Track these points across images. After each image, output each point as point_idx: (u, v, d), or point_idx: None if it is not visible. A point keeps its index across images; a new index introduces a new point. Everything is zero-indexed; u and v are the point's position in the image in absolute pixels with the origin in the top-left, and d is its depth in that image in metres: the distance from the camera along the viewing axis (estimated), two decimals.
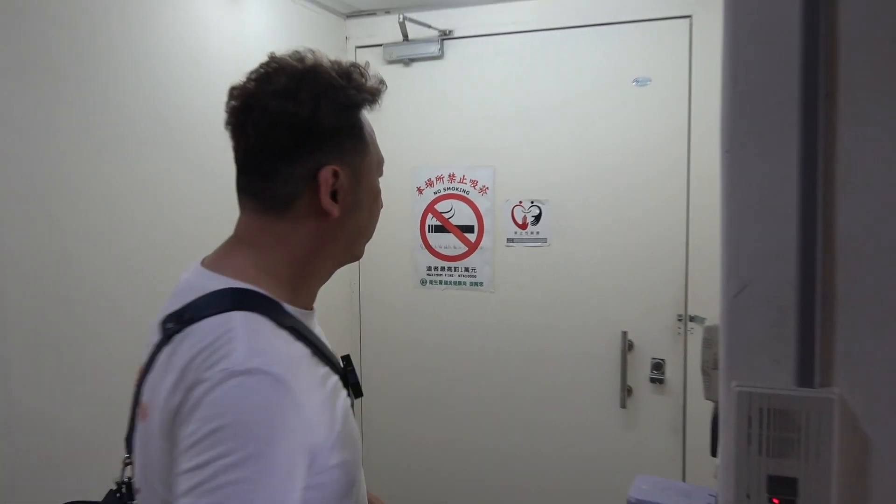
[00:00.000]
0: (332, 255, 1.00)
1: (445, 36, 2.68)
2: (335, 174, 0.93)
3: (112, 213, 1.75)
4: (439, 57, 2.70)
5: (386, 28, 2.75)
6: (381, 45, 2.77)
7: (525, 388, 2.64)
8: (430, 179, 2.73)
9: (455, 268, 2.72)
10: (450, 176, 2.71)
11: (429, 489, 2.77)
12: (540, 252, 2.62)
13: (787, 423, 0.77)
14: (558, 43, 2.56)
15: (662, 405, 2.50)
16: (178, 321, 0.87)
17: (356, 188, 0.97)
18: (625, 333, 2.49)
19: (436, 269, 2.75)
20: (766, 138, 0.80)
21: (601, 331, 2.53)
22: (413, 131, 2.74)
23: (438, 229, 2.73)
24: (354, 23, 2.82)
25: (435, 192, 2.73)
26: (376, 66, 2.79)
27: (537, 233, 2.62)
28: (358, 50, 2.82)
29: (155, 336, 0.91)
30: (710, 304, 2.41)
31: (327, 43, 2.73)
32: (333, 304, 2.74)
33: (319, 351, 0.93)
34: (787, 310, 0.79)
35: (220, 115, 1.04)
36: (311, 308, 1.00)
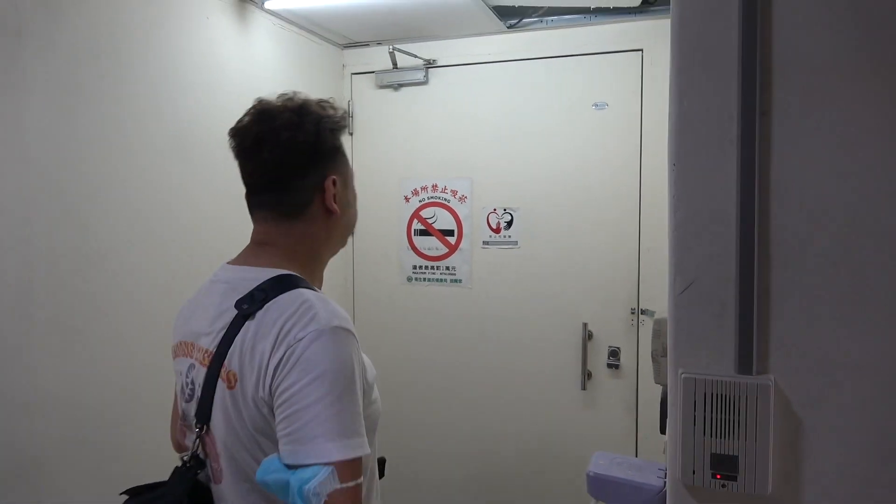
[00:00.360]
0: (333, 245, 1.10)
1: (430, 64, 2.65)
2: (334, 182, 1.03)
3: (129, 215, 1.71)
4: (424, 83, 2.67)
5: (378, 57, 2.71)
6: (373, 71, 2.73)
7: (498, 373, 2.62)
8: (415, 189, 2.70)
9: (437, 267, 2.69)
10: (433, 186, 2.68)
11: (411, 462, 2.74)
12: (511, 253, 2.59)
13: (728, 406, 0.75)
14: (528, 71, 2.54)
15: (618, 387, 2.49)
16: (251, 303, 0.94)
17: (346, 191, 1.08)
18: (585, 324, 2.47)
19: (420, 267, 2.71)
20: (708, 152, 0.78)
21: (564, 322, 2.51)
22: (401, 147, 2.71)
23: (423, 233, 2.70)
24: (350, 52, 2.78)
25: (420, 201, 2.70)
26: (369, 91, 2.77)
27: (509, 236, 2.59)
28: (353, 76, 2.78)
29: (222, 321, 0.96)
30: (658, 299, 2.40)
31: (327, 70, 2.69)
32: (331, 298, 2.69)
33: None
34: (727, 305, 0.77)
35: (227, 131, 1.03)
36: (320, 289, 1.09)
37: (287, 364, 0.86)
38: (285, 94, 1.04)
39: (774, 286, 0.76)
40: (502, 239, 2.60)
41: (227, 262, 1.05)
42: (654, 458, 2.42)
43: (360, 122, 2.75)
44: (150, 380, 1.68)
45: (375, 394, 1.03)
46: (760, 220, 0.76)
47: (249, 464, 0.91)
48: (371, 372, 1.00)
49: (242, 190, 1.06)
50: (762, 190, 0.76)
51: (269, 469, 0.84)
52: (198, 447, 0.95)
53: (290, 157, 0.99)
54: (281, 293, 0.93)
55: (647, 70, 2.38)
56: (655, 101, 2.38)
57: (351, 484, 0.84)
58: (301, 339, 0.87)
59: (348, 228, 1.12)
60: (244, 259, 1.03)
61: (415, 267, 2.72)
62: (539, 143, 2.53)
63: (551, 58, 2.50)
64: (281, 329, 0.89)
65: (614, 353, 2.47)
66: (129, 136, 1.71)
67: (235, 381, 0.91)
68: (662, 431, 1.38)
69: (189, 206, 1.92)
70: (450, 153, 2.65)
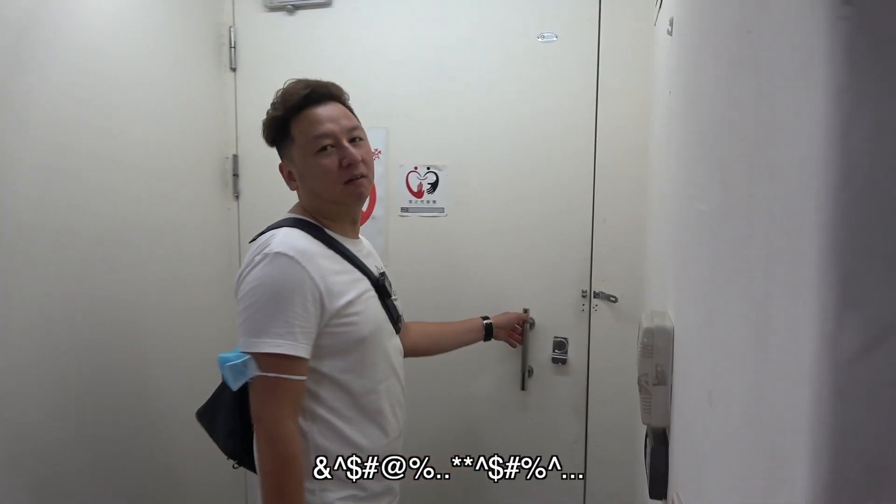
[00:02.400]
0: (322, 204, 1.33)
1: None
2: (281, 167, 1.38)
3: None
4: (327, 4, 2.08)
5: None
6: None
7: (417, 369, 2.11)
8: None
9: None
10: None
11: None
12: (436, 222, 2.08)
13: None
14: None
15: (565, 386, 2.02)
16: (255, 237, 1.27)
17: (302, 165, 1.31)
18: (526, 311, 2.00)
19: None
20: None
21: (500, 307, 2.00)
22: None
23: None
24: None
25: None
26: (256, 14, 2.14)
27: (434, 202, 2.07)
28: None
29: None
30: (616, 279, 1.94)
31: None
32: (208, 280, 2.12)
33: (349, 259, 1.31)
34: None
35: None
36: (355, 237, 1.42)
37: (240, 279, 1.20)
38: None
39: None
40: (425, 205, 2.08)
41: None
42: (607, 472, 1.99)
43: (245, 56, 2.14)
44: None
45: (351, 319, 1.24)
46: None
47: None
48: (336, 297, 1.22)
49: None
50: None
51: (225, 357, 1.16)
52: None
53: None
54: (270, 229, 1.24)
55: None
56: (618, 30, 1.88)
57: (271, 375, 1.13)
58: (252, 260, 1.18)
59: (321, 191, 1.31)
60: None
61: None
62: (472, 84, 2.00)
63: None
64: (250, 253, 1.20)
65: (560, 346, 2.01)
66: None
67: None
68: (654, 496, 0.91)
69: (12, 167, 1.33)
70: (360, 97, 2.05)
